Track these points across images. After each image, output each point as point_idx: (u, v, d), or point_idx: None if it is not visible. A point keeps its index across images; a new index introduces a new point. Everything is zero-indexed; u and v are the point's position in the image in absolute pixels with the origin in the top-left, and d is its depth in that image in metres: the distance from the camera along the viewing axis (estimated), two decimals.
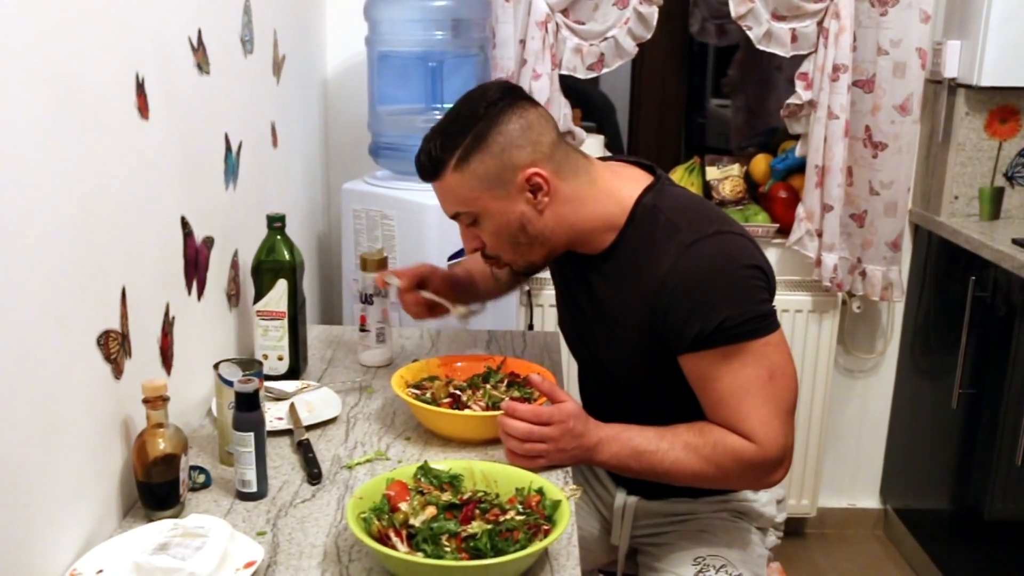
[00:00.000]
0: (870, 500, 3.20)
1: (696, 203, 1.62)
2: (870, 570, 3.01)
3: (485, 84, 1.61)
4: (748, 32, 2.65)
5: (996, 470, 2.50)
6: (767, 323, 1.48)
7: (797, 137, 2.80)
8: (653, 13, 2.60)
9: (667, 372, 1.54)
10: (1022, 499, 2.42)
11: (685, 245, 1.48)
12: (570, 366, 2.48)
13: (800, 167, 2.83)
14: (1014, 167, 2.77)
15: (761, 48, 2.66)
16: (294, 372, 1.86)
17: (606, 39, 2.63)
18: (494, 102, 1.51)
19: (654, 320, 1.51)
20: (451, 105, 1.58)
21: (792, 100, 2.71)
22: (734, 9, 2.62)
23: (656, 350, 1.54)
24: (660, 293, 1.48)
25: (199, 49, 1.63)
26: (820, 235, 2.74)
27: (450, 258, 1.81)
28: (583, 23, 2.63)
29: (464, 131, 1.49)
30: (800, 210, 2.75)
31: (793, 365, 1.52)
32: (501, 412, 1.49)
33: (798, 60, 2.71)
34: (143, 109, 1.40)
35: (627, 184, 1.58)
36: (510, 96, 1.53)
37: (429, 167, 1.53)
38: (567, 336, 1.82)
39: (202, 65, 1.65)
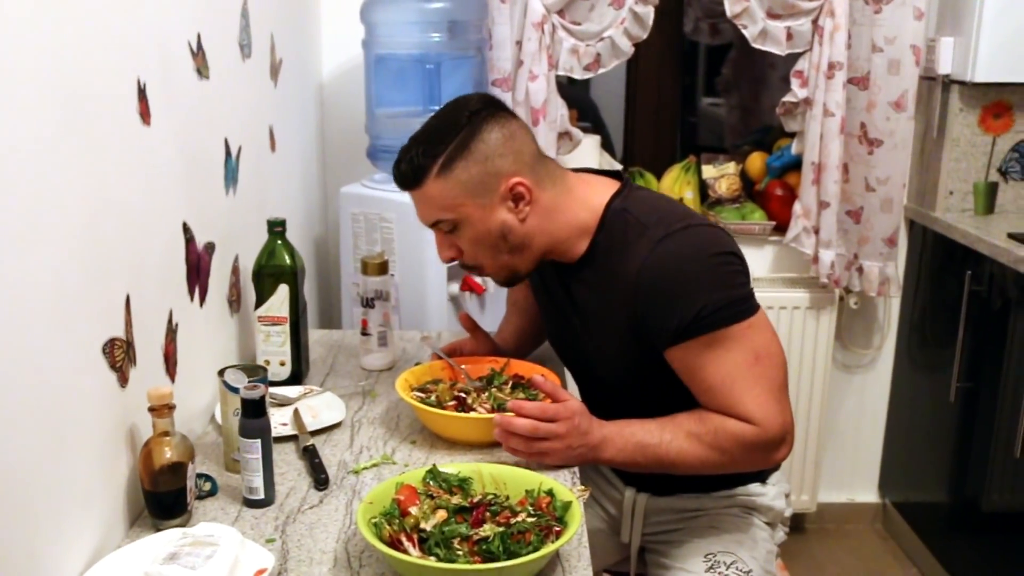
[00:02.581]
0: (869, 494, 3.21)
1: (663, 202, 1.65)
2: (870, 564, 3.02)
3: (466, 96, 1.62)
4: (744, 31, 2.65)
5: (994, 462, 2.51)
6: (746, 306, 1.50)
7: (792, 135, 2.81)
8: (649, 13, 2.60)
9: (657, 370, 1.55)
10: (1020, 491, 2.43)
11: (655, 241, 1.50)
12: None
13: (796, 164, 2.84)
14: (1008, 162, 2.79)
15: (757, 46, 2.67)
16: (296, 377, 1.86)
17: (602, 39, 2.63)
18: (476, 111, 1.53)
19: (634, 319, 1.53)
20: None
21: (788, 98, 2.72)
22: (729, 8, 2.63)
23: (642, 349, 1.55)
24: (637, 292, 1.50)
25: (199, 54, 1.63)
26: (817, 232, 2.75)
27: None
28: (579, 24, 2.63)
29: (446, 139, 1.51)
30: (797, 207, 2.76)
31: (779, 343, 1.53)
32: (503, 414, 1.49)
33: (791, 58, 2.72)
34: (145, 115, 1.40)
35: (597, 191, 1.61)
36: (491, 107, 1.55)
37: (411, 175, 1.53)
38: (558, 349, 1.84)
39: (202, 70, 1.65)
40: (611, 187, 1.62)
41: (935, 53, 2.71)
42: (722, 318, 1.47)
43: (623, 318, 1.55)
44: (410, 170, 1.53)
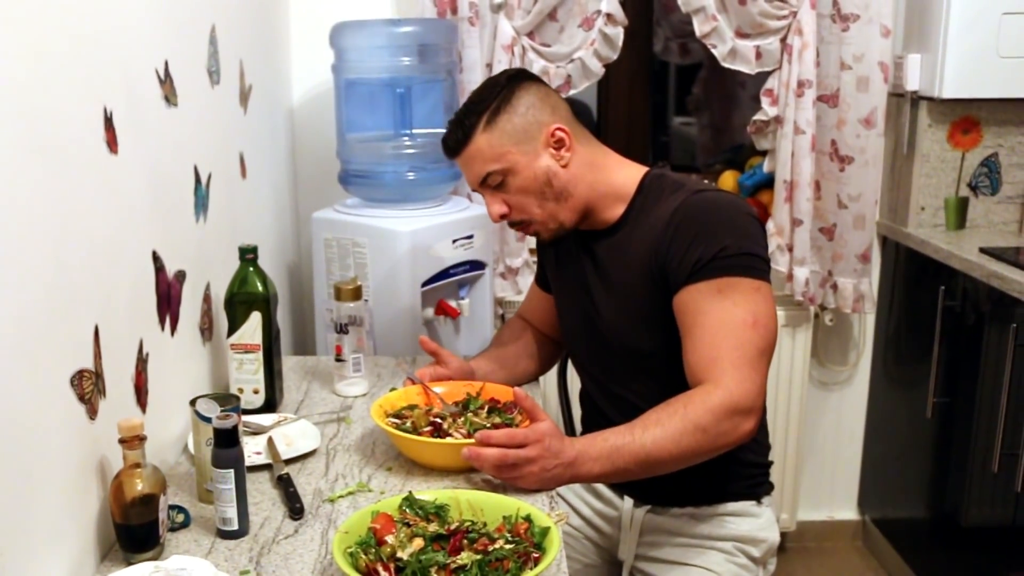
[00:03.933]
0: (848, 512, 3.21)
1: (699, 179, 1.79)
2: None
3: (502, 71, 1.79)
4: (713, 50, 2.67)
5: (971, 477, 2.52)
6: (762, 267, 1.58)
7: (764, 153, 2.82)
8: (619, 34, 2.61)
9: (665, 331, 1.61)
10: (998, 505, 2.44)
11: (691, 192, 1.63)
12: (546, 387, 2.47)
13: (768, 182, 2.85)
14: (977, 177, 2.81)
15: (726, 65, 2.68)
16: (270, 405, 1.84)
17: (572, 61, 2.63)
18: (513, 76, 1.70)
19: (658, 257, 1.60)
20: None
21: (759, 116, 2.73)
22: (698, 28, 2.64)
23: (657, 304, 1.61)
24: (666, 228, 1.60)
25: (166, 81, 1.62)
26: (791, 249, 2.76)
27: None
28: (549, 46, 2.64)
29: (488, 99, 1.66)
30: (770, 225, 2.77)
31: (776, 321, 1.59)
32: (471, 447, 1.48)
33: (762, 77, 2.74)
34: (112, 143, 1.38)
35: (631, 165, 1.75)
36: (525, 73, 1.74)
37: (460, 135, 1.66)
38: (570, 331, 1.85)
39: (169, 97, 1.64)
40: (643, 167, 1.75)
41: (903, 70, 2.74)
42: (739, 264, 1.54)
43: (647, 263, 1.62)
44: (458, 130, 1.67)
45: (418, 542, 1.24)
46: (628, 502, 1.77)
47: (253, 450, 1.65)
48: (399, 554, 1.22)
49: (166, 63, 1.61)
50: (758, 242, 1.60)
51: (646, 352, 1.67)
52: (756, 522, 1.72)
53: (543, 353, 1.97)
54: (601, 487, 1.82)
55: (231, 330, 1.81)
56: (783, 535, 3.07)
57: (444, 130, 1.71)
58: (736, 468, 1.69)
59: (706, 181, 1.83)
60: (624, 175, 1.71)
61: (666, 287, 1.60)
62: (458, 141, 1.67)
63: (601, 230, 1.72)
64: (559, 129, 1.65)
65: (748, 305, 1.53)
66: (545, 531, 1.28)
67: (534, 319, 1.99)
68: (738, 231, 1.57)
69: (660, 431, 1.48)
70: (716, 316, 1.53)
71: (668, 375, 1.61)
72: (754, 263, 1.56)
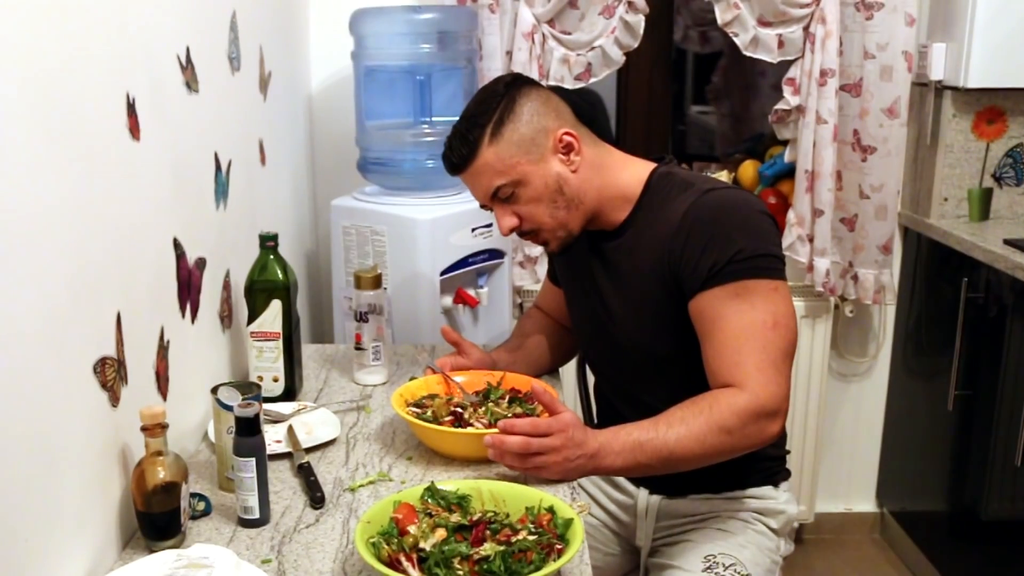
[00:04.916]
0: (867, 504, 3.19)
1: (706, 174, 1.74)
2: (868, 574, 3.00)
3: (495, 77, 1.73)
4: (735, 39, 2.64)
5: (993, 471, 2.50)
6: (778, 267, 1.55)
7: (785, 142, 2.80)
8: (639, 21, 2.59)
9: (679, 333, 1.59)
10: (1019, 499, 2.42)
11: (702, 191, 1.59)
12: (566, 378, 2.46)
13: (789, 172, 2.83)
14: (1002, 168, 2.78)
15: (748, 54, 2.66)
16: (290, 393, 1.83)
17: (593, 49, 2.62)
18: (510, 83, 1.63)
19: (671, 262, 1.57)
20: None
21: (780, 105, 2.71)
22: (720, 16, 2.62)
23: (670, 307, 1.59)
24: (678, 233, 1.56)
25: (188, 67, 1.61)
26: (811, 240, 2.74)
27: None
28: (569, 33, 2.62)
29: (490, 110, 1.59)
30: (791, 215, 2.75)
31: (795, 319, 1.57)
32: (494, 434, 1.46)
33: (781, 66, 2.71)
34: (134, 130, 1.37)
35: (637, 163, 1.70)
36: (522, 78, 1.67)
37: (464, 151, 1.60)
38: (582, 331, 1.83)
39: (191, 83, 1.63)
40: (649, 164, 1.70)
41: (927, 59, 2.71)
42: (755, 267, 1.52)
43: (658, 266, 1.59)
44: (462, 146, 1.60)
45: (441, 532, 1.24)
46: (643, 491, 1.76)
47: (273, 438, 1.64)
48: (422, 544, 1.21)
49: (187, 49, 1.61)
50: (772, 240, 1.57)
51: (660, 355, 1.66)
52: (773, 502, 1.72)
53: (563, 345, 1.96)
54: (618, 479, 1.81)
55: (251, 318, 1.80)
56: (801, 527, 3.07)
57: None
58: (753, 462, 1.68)
59: (713, 176, 1.79)
60: (630, 174, 1.67)
61: (679, 291, 1.57)
62: (463, 157, 1.61)
63: (608, 231, 1.69)
64: (567, 134, 1.60)
65: (767, 306, 1.51)
66: (568, 522, 1.27)
67: (551, 311, 1.98)
68: (751, 231, 1.54)
69: (685, 429, 1.47)
70: (736, 320, 1.51)
71: (682, 378, 1.60)
72: (770, 263, 1.54)
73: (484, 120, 1.59)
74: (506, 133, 1.58)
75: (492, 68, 2.56)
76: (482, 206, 1.69)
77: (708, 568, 1.61)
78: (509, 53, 2.58)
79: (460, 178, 1.66)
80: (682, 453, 1.48)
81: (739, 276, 1.51)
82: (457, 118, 1.65)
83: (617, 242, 1.67)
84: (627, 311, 1.67)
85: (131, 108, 1.36)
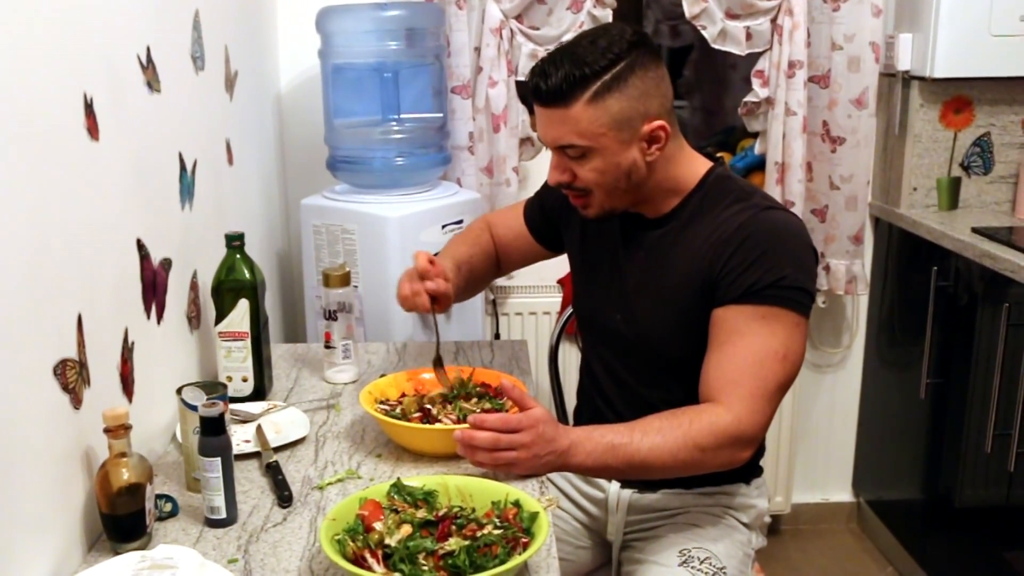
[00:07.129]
0: (843, 494, 3.21)
1: (764, 191, 1.74)
2: (846, 564, 3.01)
3: (619, 25, 1.60)
4: (703, 32, 2.65)
5: (965, 458, 2.52)
6: (809, 303, 1.56)
7: (755, 135, 2.81)
8: (607, 16, 2.59)
9: (694, 336, 1.58)
10: (992, 486, 2.44)
11: (761, 208, 1.57)
12: (539, 373, 2.46)
13: (760, 164, 2.83)
14: (969, 156, 2.80)
15: (716, 47, 2.67)
16: (259, 393, 1.83)
17: (561, 43, 2.61)
18: (634, 44, 1.51)
19: (712, 267, 1.55)
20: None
21: (749, 98, 2.72)
22: (688, 9, 2.62)
23: (694, 309, 1.57)
24: (729, 241, 1.54)
25: (148, 67, 1.60)
26: None
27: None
28: (537, 28, 2.62)
29: (604, 67, 1.48)
30: None
31: (803, 359, 1.58)
32: (463, 429, 1.46)
33: (752, 58, 2.72)
34: (93, 130, 1.36)
35: (699, 160, 1.66)
36: (646, 44, 1.54)
37: (561, 92, 1.49)
38: (589, 314, 1.80)
39: (152, 83, 1.62)
40: (706, 162, 1.66)
41: (894, 50, 2.72)
42: (790, 297, 1.52)
43: (694, 273, 1.57)
44: (563, 86, 1.48)
45: (406, 528, 1.23)
46: (615, 485, 1.76)
47: (242, 438, 1.64)
48: (387, 540, 1.21)
49: (148, 49, 1.60)
50: (812, 277, 1.58)
51: (676, 357, 1.64)
52: (744, 499, 1.72)
53: (486, 278, 1.99)
54: None
55: (219, 318, 1.79)
56: (778, 518, 3.08)
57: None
58: None
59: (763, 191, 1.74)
60: (689, 169, 1.62)
61: (710, 297, 1.56)
62: (553, 95, 1.50)
63: (648, 218, 1.65)
64: (662, 128, 1.52)
65: (784, 338, 1.51)
66: (534, 516, 1.27)
67: (501, 244, 1.96)
68: (799, 264, 1.54)
69: (660, 439, 1.47)
70: (751, 340, 1.51)
71: (683, 378, 1.60)
72: (803, 298, 1.54)
73: (592, 73, 1.47)
74: (608, 101, 1.48)
75: (460, 64, 2.56)
76: (545, 145, 1.62)
77: (684, 562, 1.61)
78: (477, 49, 2.57)
79: (535, 104, 1.56)
80: (652, 463, 1.48)
81: (773, 301, 1.51)
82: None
83: (655, 233, 1.64)
84: (649, 303, 1.65)
85: (89, 108, 1.35)
